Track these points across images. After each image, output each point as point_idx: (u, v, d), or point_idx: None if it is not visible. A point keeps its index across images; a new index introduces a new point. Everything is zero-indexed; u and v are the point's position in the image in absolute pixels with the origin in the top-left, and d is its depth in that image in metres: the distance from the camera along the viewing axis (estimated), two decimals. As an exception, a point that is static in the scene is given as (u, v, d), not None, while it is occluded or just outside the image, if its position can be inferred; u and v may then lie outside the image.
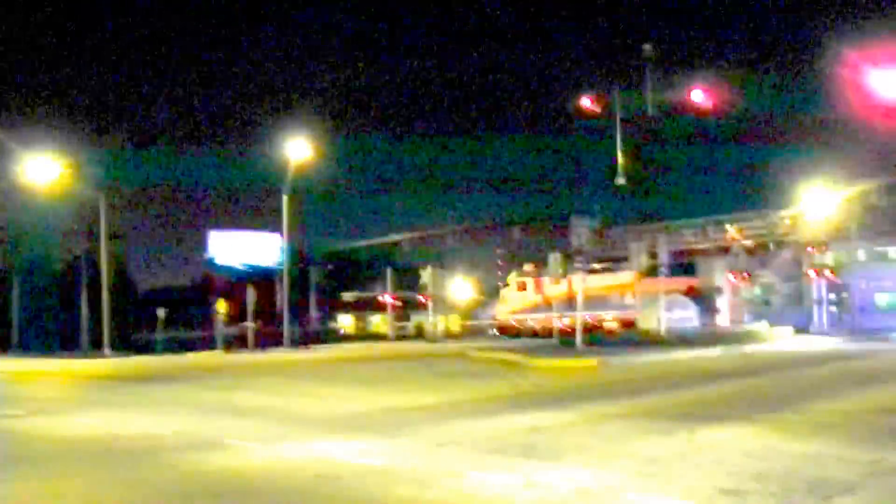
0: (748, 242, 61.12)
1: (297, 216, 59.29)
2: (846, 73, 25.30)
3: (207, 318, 61.54)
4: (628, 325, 53.30)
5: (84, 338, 53.98)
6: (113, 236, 56.43)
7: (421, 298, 66.33)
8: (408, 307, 70.96)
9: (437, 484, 10.84)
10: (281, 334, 54.42)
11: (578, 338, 38.57)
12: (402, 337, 66.24)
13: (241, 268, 75.83)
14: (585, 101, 37.88)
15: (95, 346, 50.38)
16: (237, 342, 53.16)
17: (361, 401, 21.11)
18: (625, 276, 54.72)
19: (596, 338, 42.44)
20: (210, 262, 77.53)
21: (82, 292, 55.59)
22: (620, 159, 38.78)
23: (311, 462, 12.59)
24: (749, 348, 39.53)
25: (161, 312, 57.03)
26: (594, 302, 51.10)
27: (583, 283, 41.35)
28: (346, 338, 71.97)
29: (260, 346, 52.41)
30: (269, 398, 22.63)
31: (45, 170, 45.11)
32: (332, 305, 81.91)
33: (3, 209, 63.60)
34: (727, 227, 64.23)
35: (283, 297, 59.66)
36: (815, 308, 59.02)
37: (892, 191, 59.69)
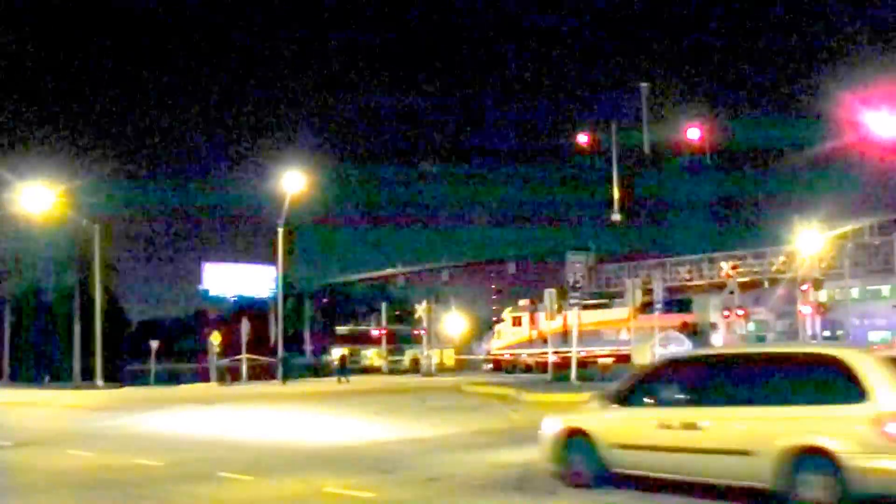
0: (742, 279, 61.16)
1: (292, 248, 59.39)
2: (842, 113, 25.40)
3: (201, 350, 61.40)
4: (623, 360, 53.14)
5: (76, 368, 53.79)
6: (106, 266, 56.41)
7: (416, 332, 66.19)
8: (402, 341, 70.77)
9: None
10: (274, 367, 54.38)
11: (573, 373, 38.42)
12: (396, 370, 66.01)
13: (234, 300, 75.67)
14: (582, 138, 38.00)
15: (87, 377, 50.24)
16: (231, 374, 52.98)
17: (354, 433, 21.00)
18: (619, 312, 54.61)
19: (590, 373, 42.27)
20: (204, 294, 77.27)
21: (74, 322, 55.45)
22: (616, 195, 38.80)
23: (302, 495, 12.50)
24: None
25: (154, 344, 56.89)
26: (589, 337, 50.94)
27: (578, 318, 41.26)
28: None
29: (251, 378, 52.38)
30: (261, 430, 22.51)
31: (39, 199, 44.91)
32: (326, 338, 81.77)
33: (-3, 238, 63.53)
34: (721, 263, 64.34)
35: (277, 329, 59.56)
36: (810, 345, 59.11)
37: (885, 229, 59.88)
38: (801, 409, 11.17)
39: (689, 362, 14.33)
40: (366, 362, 69.67)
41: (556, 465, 13.54)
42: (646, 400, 13.07)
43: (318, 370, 61.87)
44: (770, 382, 11.96)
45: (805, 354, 12.89)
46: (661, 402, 12.83)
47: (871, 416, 10.45)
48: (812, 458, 10.73)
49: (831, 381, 11.23)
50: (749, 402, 11.78)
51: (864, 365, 11.04)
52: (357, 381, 52.02)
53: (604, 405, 13.60)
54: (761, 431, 11.30)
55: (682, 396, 12.73)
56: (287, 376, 52.67)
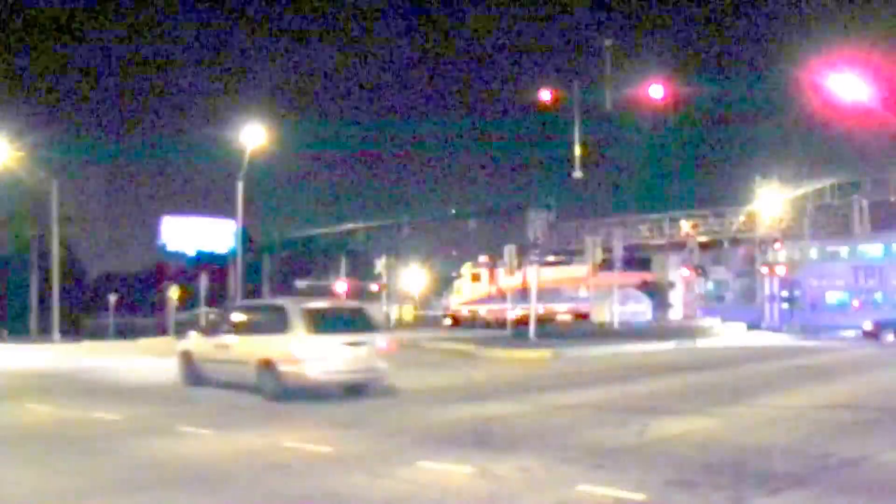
0: (703, 238, 61.54)
1: (251, 203, 59.07)
2: (807, 76, 25.51)
3: (160, 304, 61.19)
4: (582, 317, 53.45)
5: (33, 323, 53.49)
6: (64, 220, 55.99)
7: (375, 287, 66.18)
8: (361, 296, 70.72)
9: (388, 473, 10.82)
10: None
11: (532, 329, 38.58)
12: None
13: (193, 254, 75.38)
14: (544, 95, 37.75)
15: (44, 332, 49.98)
16: (189, 328, 52.80)
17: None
18: (579, 269, 54.83)
19: (549, 330, 42.50)
20: (162, 248, 76.98)
21: (31, 277, 55.08)
22: (577, 153, 38.76)
23: (261, 450, 12.52)
24: (701, 343, 39.77)
25: (112, 297, 56.65)
26: (548, 294, 51.16)
27: (537, 275, 41.40)
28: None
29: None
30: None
31: (-6, 152, 44.34)
32: (285, 293, 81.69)
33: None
34: (682, 222, 64.78)
35: (236, 283, 59.39)
36: (768, 305, 59.53)
37: (845, 191, 60.39)
38: (266, 337, 19.03)
39: (234, 308, 24.61)
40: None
41: (182, 373, 21.43)
42: (214, 331, 21.47)
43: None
44: (256, 321, 20.40)
45: (271, 304, 22.68)
46: (219, 333, 20.88)
47: (288, 340, 18.29)
48: (267, 366, 18.40)
49: (279, 321, 18.86)
50: (248, 332, 19.91)
51: (292, 311, 18.99)
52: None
53: (198, 335, 22.17)
54: (249, 350, 19.17)
55: (227, 328, 20.77)
56: None
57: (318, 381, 18.24)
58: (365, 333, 19.22)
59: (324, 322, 18.88)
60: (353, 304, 26.16)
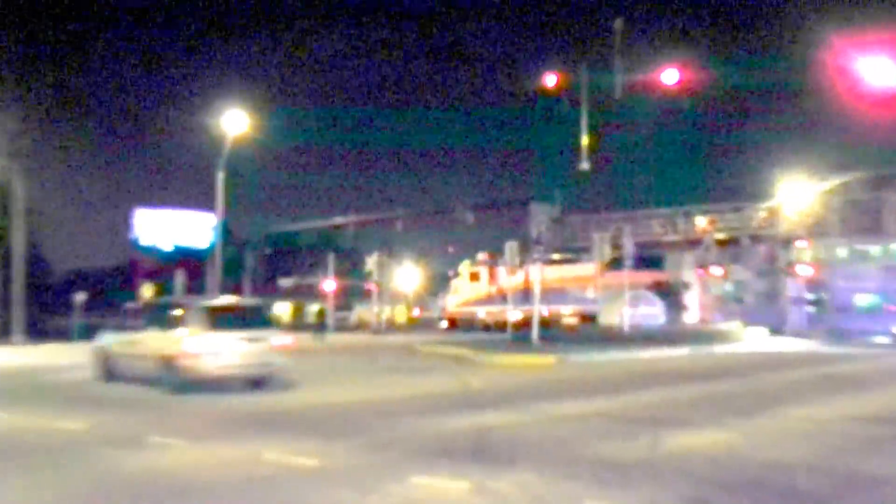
0: (720, 235, 61.40)
1: (232, 195, 58.87)
2: (832, 60, 25.42)
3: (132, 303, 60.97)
4: (589, 320, 53.47)
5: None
6: (28, 212, 55.77)
7: (365, 287, 66.13)
8: (351, 296, 70.68)
9: (378, 489, 10.76)
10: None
11: (535, 333, 38.55)
12: (343, 328, 66.01)
13: (169, 249, 75.15)
14: (549, 80, 37.69)
15: (4, 333, 49.80)
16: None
17: (297, 396, 20.99)
18: (586, 268, 54.89)
19: (553, 333, 42.50)
20: (135, 243, 76.69)
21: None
22: (584, 142, 38.69)
23: (240, 462, 12.47)
24: (719, 349, 39.79)
25: (79, 297, 56.43)
26: (553, 295, 51.17)
27: (541, 274, 41.38)
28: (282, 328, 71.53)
29: None
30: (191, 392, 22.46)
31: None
32: (268, 292, 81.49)
33: None
34: (698, 218, 64.52)
35: (215, 281, 59.24)
36: (792, 308, 59.43)
37: (876, 185, 60.18)
38: (168, 334, 21.68)
39: (154, 304, 27.31)
40: (310, 319, 69.50)
41: (96, 370, 23.85)
42: (126, 328, 24.57)
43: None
44: (161, 318, 22.64)
45: (173, 302, 25.31)
46: (131, 329, 23.99)
47: (186, 337, 21.08)
48: (169, 360, 20.95)
49: (180, 318, 21.91)
50: (154, 329, 22.44)
51: (190, 308, 22.34)
52: (298, 339, 51.91)
53: (114, 333, 24.63)
54: (154, 346, 21.79)
55: (140, 325, 23.59)
56: None
57: (214, 375, 21.15)
58: (261, 330, 22.23)
59: (220, 319, 21.89)
60: (252, 301, 29.35)
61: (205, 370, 20.91)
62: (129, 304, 52.04)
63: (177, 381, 20.77)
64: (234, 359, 21.35)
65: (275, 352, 22.12)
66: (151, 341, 22.14)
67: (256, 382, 21.92)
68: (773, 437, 14.97)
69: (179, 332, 21.46)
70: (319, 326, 52.42)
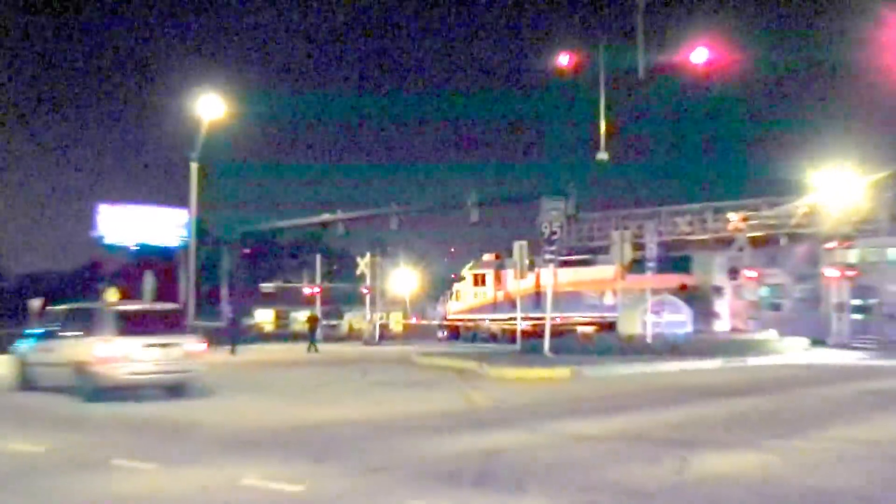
0: (755, 234, 61.28)
1: (207, 189, 58.84)
2: (884, 37, 25.35)
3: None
4: (607, 329, 53.42)
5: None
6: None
7: (357, 291, 66.17)
8: (340, 302, 70.69)
9: (370, 518, 10.72)
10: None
11: (547, 343, 38.53)
12: (332, 337, 66.07)
13: (136, 249, 75.09)
14: (563, 60, 37.61)
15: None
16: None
17: (280, 414, 20.96)
18: (604, 271, 54.76)
19: (567, 343, 42.45)
20: (99, 242, 76.59)
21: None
22: (603, 130, 38.61)
23: (217, 488, 12.42)
24: (753, 361, 39.71)
25: (35, 302, 56.40)
26: (566, 300, 51.16)
27: (553, 277, 41.34)
28: (265, 337, 71.61)
29: None
30: (167, 409, 22.42)
31: None
32: (248, 295, 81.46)
33: None
34: (729, 215, 64.40)
35: (188, 284, 59.25)
36: (835, 315, 59.10)
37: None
38: (81, 340, 23.37)
39: (66, 311, 26.27)
40: (296, 327, 69.56)
41: (14, 379, 25.71)
42: (45, 337, 25.60)
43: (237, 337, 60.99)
44: (76, 324, 24.30)
45: (85, 308, 25.83)
46: (49, 338, 25.29)
47: (98, 343, 22.79)
48: (82, 367, 22.70)
49: (92, 324, 23.63)
50: (70, 336, 24.07)
51: (101, 314, 24.16)
52: (283, 350, 51.93)
53: (30, 344, 26.06)
54: (69, 353, 23.46)
55: (52, 332, 25.19)
56: (235, 343, 50.95)
57: (127, 381, 22.98)
58: (175, 335, 23.98)
59: (133, 325, 23.77)
60: (167, 306, 29.76)
61: (118, 376, 22.67)
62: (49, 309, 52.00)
63: (91, 388, 22.63)
64: (147, 365, 23.11)
65: (191, 358, 23.97)
66: (65, 348, 23.99)
67: (173, 389, 23.86)
68: (815, 461, 14.90)
69: (91, 339, 23.18)
70: (312, 335, 52.22)
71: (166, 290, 60.20)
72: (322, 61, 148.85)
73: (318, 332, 55.80)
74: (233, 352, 47.86)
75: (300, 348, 53.92)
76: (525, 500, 11.59)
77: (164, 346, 23.31)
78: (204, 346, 25.55)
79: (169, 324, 24.83)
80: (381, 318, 66.63)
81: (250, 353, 48.59)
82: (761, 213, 63.73)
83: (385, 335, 67.58)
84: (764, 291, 63.46)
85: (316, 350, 49.97)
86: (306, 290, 70.39)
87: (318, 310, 67.00)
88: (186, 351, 23.85)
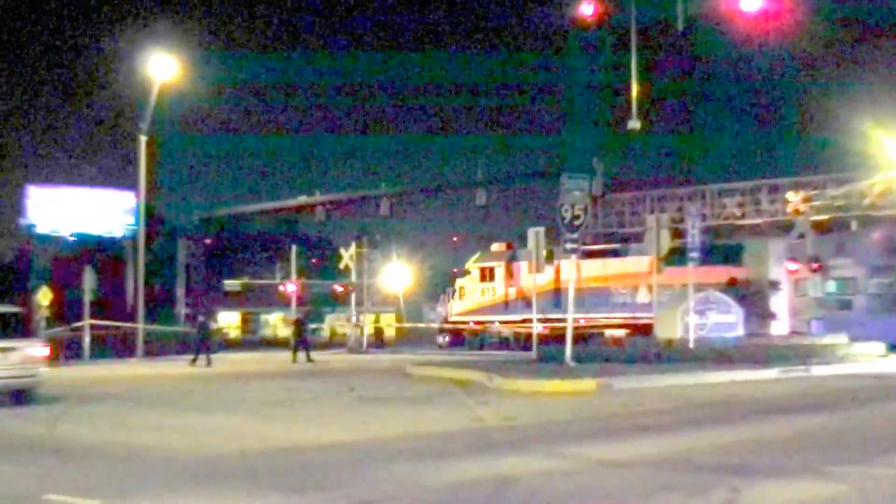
0: (819, 217, 61.20)
1: (160, 168, 58.84)
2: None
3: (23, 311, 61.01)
4: (641, 332, 53.45)
5: None
6: None
7: (340, 289, 66.30)
8: (321, 301, 70.79)
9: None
10: (132, 338, 54.01)
11: (568, 350, 38.55)
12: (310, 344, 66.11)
13: (74, 239, 75.19)
14: (586, 9, 37.65)
15: None
16: (65, 349, 52.55)
17: (250, 436, 20.99)
18: (637, 263, 54.86)
19: (594, 350, 42.51)
20: (29, 231, 76.73)
21: None
22: (635, 93, 38.61)
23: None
24: (818, 371, 39.71)
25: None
26: (592, 298, 51.24)
27: (576, 270, 41.36)
28: (229, 344, 71.72)
29: (95, 355, 51.94)
30: (113, 432, 22.42)
31: None
32: (209, 297, 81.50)
33: None
34: (788, 195, 64.31)
35: (137, 280, 59.29)
36: (920, 316, 59.00)
37: None
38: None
39: None
40: (267, 331, 69.64)
41: None
42: None
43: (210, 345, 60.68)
44: None
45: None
46: None
47: (27, 344, 25.48)
48: None
49: (12, 326, 26.56)
50: None
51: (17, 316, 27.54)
52: (253, 360, 51.94)
53: None
54: None
55: None
56: (200, 351, 50.50)
57: None
58: (15, 339, 26.05)
59: None
60: (7, 308, 30.39)
61: None
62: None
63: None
64: None
65: (32, 363, 26.42)
66: None
67: (15, 395, 26.17)
68: (894, 492, 14.89)
69: None
70: (300, 342, 52.04)
71: (111, 287, 60.40)
72: (296, 15, 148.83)
73: (308, 338, 55.60)
74: (204, 362, 47.76)
75: (276, 357, 54.04)
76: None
77: (4, 350, 25.56)
78: (47, 350, 28.30)
79: (8, 327, 26.74)
80: (374, 321, 66.71)
81: (217, 363, 48.63)
82: (827, 192, 63.64)
83: (375, 341, 67.77)
84: (830, 287, 63.38)
85: (309, 360, 49.88)
86: (280, 288, 70.37)
87: (295, 311, 67.03)
88: (28, 356, 26.17)
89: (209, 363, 47.36)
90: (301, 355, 50.43)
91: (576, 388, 31.52)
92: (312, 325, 68.77)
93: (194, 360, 48.01)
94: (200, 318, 53.84)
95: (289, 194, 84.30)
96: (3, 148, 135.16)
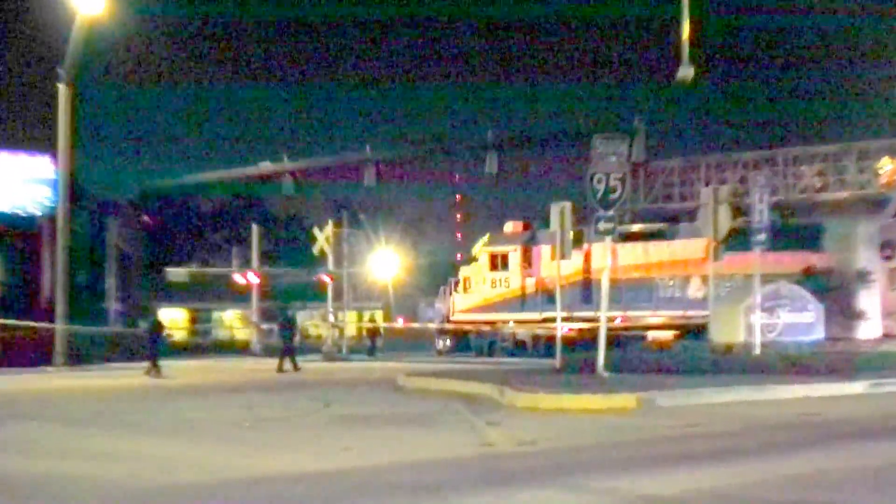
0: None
1: (87, 128, 58.89)
2: None
3: None
4: (693, 334, 53.57)
5: None
6: None
7: (313, 279, 66.61)
8: (289, 295, 71.04)
9: None
10: (49, 341, 54.18)
11: (601, 357, 38.60)
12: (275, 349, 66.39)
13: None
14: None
15: None
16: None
17: (206, 465, 21.05)
18: (688, 247, 54.96)
19: (632, 357, 42.62)
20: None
21: None
22: (685, 35, 38.74)
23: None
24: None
25: None
26: (632, 292, 51.44)
27: (612, 257, 41.42)
28: (175, 348, 71.84)
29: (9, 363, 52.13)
30: (36, 462, 22.50)
31: None
32: (148, 288, 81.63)
33: None
34: (881, 162, 64.23)
35: (54, 267, 59.33)
36: None
37: None
38: None
39: None
40: (221, 332, 69.92)
41: None
42: None
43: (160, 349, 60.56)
44: None
45: None
46: None
47: None
48: None
49: None
50: None
51: None
52: (201, 368, 52.12)
53: None
54: None
55: None
56: (156, 356, 50.49)
57: None
58: None
59: None
60: None
61: None
62: None
63: None
64: None
65: None
66: None
67: None
68: None
69: None
70: (287, 349, 52.12)
71: (25, 275, 60.49)
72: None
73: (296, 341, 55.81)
74: (156, 371, 47.90)
75: (236, 365, 54.25)
76: None
77: None
78: None
79: None
80: (358, 319, 66.97)
81: (167, 371, 48.84)
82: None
83: (373, 346, 68.10)
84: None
85: (295, 368, 50.12)
86: (238, 279, 70.38)
87: (256, 305, 67.20)
88: None
89: (156, 372, 47.60)
90: (287, 363, 50.58)
91: (610, 405, 31.53)
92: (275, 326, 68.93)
93: (149, 370, 48.21)
94: (150, 317, 53.99)
95: (250, 161, 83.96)
96: None
